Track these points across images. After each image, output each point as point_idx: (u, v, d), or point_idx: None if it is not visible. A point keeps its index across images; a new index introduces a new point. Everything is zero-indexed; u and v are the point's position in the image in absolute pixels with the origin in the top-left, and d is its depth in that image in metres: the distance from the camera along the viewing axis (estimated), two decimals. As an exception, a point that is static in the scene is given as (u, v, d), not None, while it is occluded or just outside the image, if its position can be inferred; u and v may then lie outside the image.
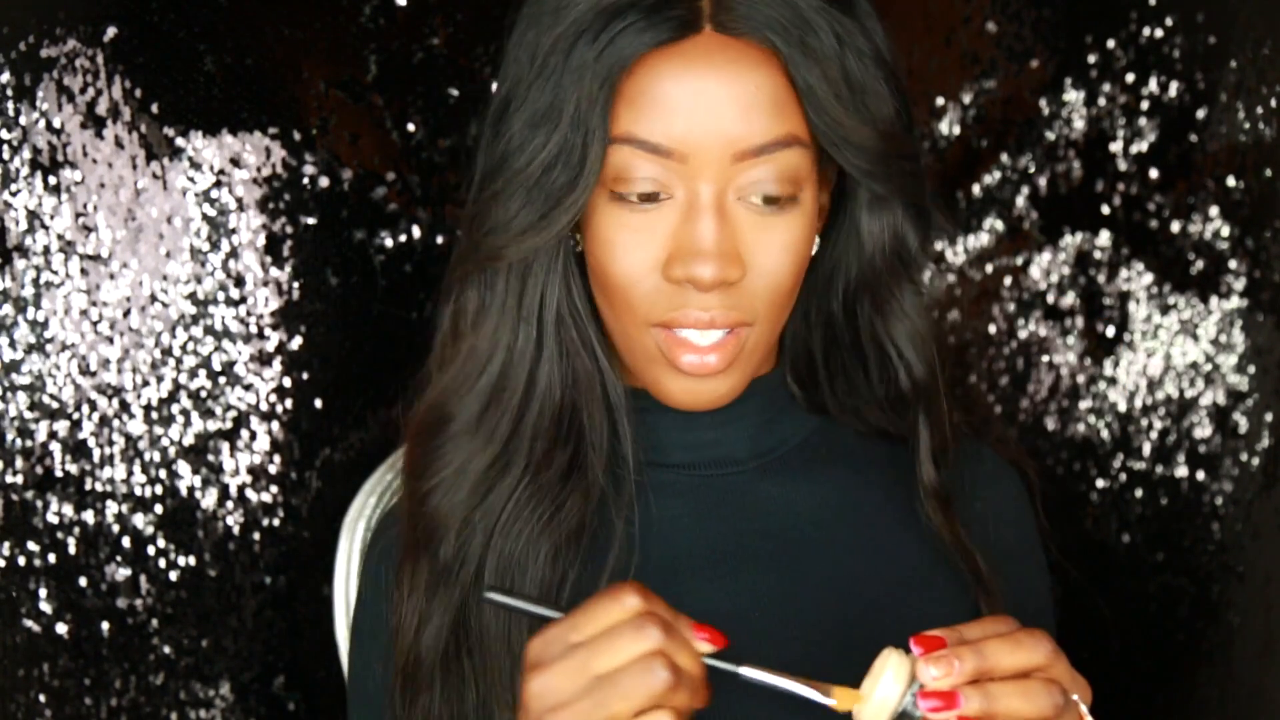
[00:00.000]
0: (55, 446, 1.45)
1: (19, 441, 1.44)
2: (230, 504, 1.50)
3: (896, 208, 1.14)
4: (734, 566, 1.15)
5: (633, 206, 1.06)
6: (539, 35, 1.07)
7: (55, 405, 1.44)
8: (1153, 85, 1.59)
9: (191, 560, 1.49)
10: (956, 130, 1.60)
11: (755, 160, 1.05)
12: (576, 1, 1.05)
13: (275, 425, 1.50)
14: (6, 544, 1.44)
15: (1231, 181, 1.58)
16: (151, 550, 1.48)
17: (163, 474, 1.48)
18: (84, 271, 1.44)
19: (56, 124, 1.41)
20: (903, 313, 1.17)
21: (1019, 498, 1.26)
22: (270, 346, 1.49)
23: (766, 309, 1.09)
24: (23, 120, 1.40)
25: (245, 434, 1.49)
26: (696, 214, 1.05)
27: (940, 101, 1.59)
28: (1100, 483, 1.65)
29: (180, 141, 1.45)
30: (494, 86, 1.12)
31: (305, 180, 1.49)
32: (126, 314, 1.45)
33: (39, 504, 1.44)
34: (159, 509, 1.48)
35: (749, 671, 0.95)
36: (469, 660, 1.13)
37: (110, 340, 1.45)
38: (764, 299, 1.08)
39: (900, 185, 1.12)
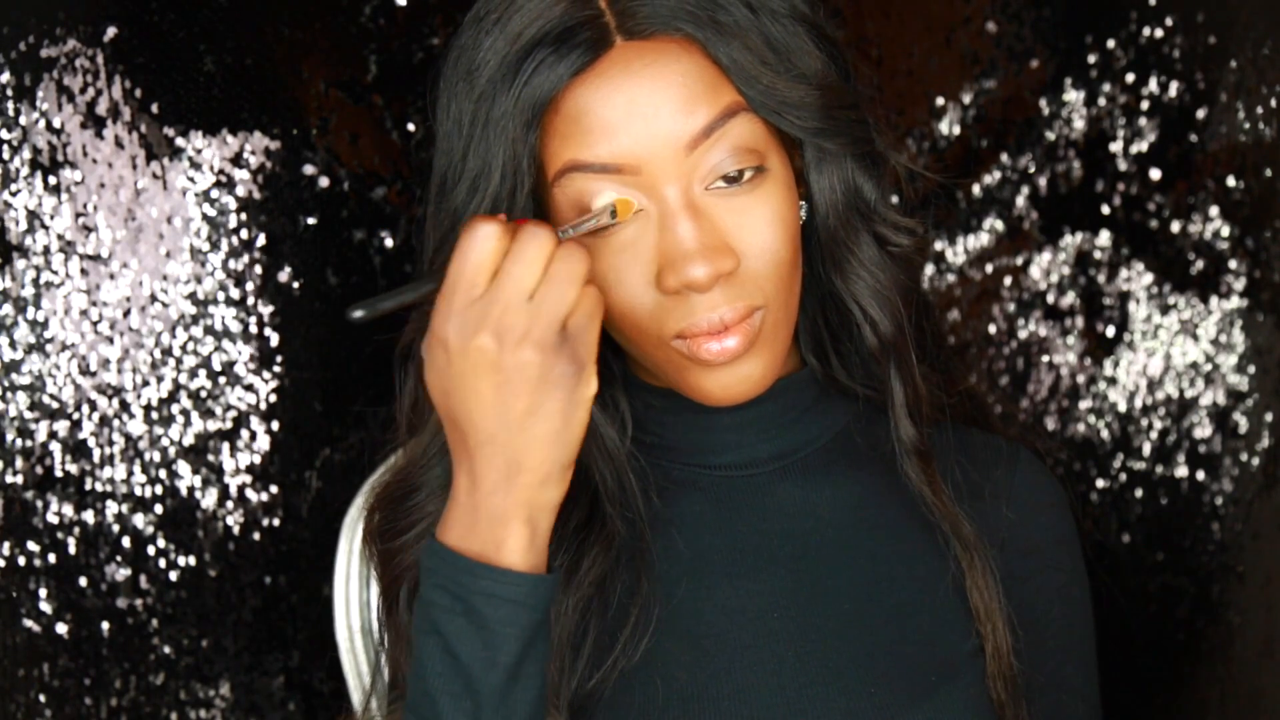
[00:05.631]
0: (55, 446, 1.45)
1: (19, 441, 1.44)
2: (230, 504, 1.50)
3: (845, 160, 1.12)
4: (753, 567, 1.14)
5: (606, 232, 1.06)
6: (460, 104, 1.07)
7: (55, 405, 1.44)
8: (1153, 85, 1.59)
9: (191, 560, 1.49)
10: (956, 130, 1.60)
11: (707, 142, 1.04)
12: (486, 59, 1.05)
13: (275, 425, 1.50)
14: (6, 544, 1.44)
15: (1231, 181, 1.58)
16: (151, 550, 1.48)
17: (163, 474, 1.48)
18: (84, 271, 1.44)
19: (56, 124, 1.41)
20: (863, 268, 1.14)
21: (1054, 502, 1.24)
22: (270, 346, 1.49)
23: (774, 286, 1.07)
24: (23, 120, 1.40)
25: (245, 434, 1.49)
26: (671, 219, 1.04)
27: (940, 101, 1.59)
28: (1100, 483, 1.65)
29: (180, 141, 1.45)
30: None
31: (305, 180, 1.49)
32: (126, 314, 1.45)
33: (39, 504, 1.44)
34: (159, 509, 1.48)
35: (567, 231, 1.04)
36: None
37: (110, 340, 1.45)
38: (767, 277, 1.07)
39: (850, 137, 1.11)
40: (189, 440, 1.48)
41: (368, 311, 1.00)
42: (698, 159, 1.05)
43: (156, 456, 1.47)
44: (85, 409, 1.45)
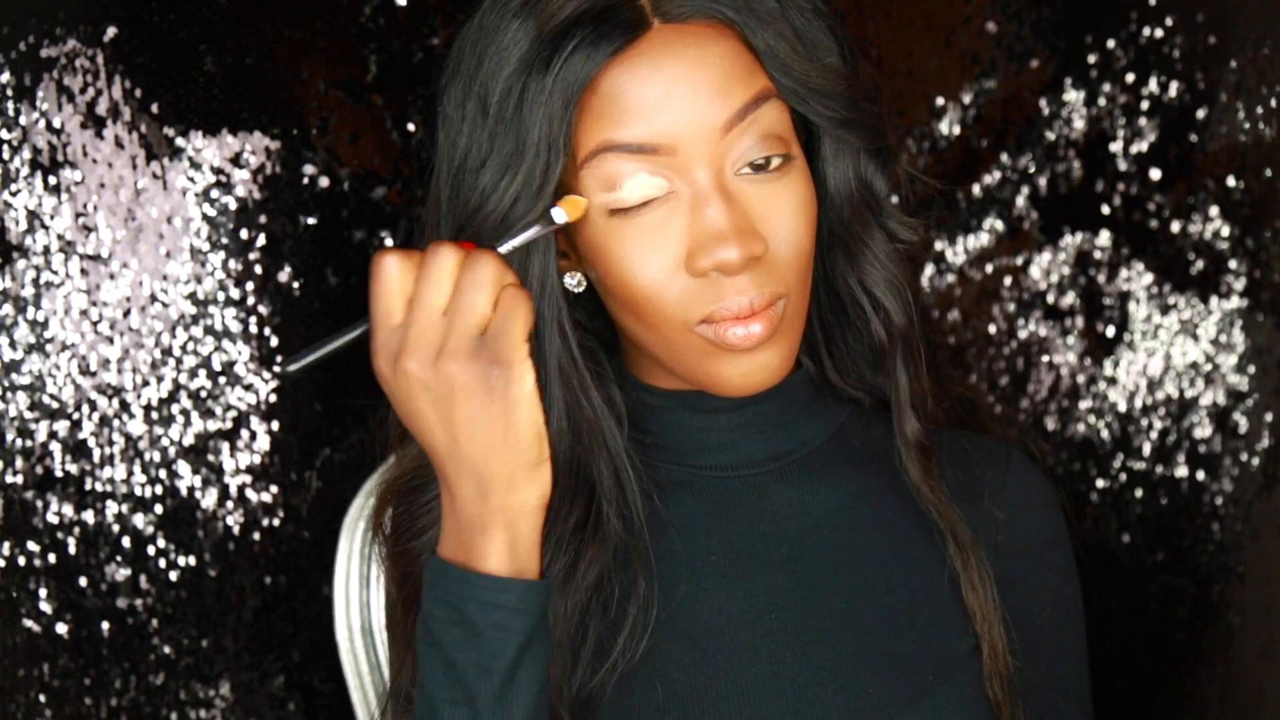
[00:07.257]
0: (55, 446, 1.45)
1: (19, 441, 1.44)
2: (230, 504, 1.50)
3: (858, 154, 1.13)
4: (750, 568, 1.14)
5: (636, 214, 1.06)
6: (484, 84, 1.06)
7: (55, 405, 1.44)
8: (1153, 85, 1.59)
9: (191, 560, 1.49)
10: (956, 130, 1.60)
11: (741, 125, 1.05)
12: (516, 40, 1.05)
13: (275, 425, 1.50)
14: (6, 544, 1.44)
15: (1231, 181, 1.58)
16: (151, 550, 1.48)
17: (163, 474, 1.48)
18: (84, 271, 1.44)
19: (56, 124, 1.41)
20: (876, 260, 1.15)
21: (1046, 503, 1.24)
22: (270, 346, 1.49)
23: (795, 276, 1.08)
24: (23, 120, 1.40)
25: (245, 434, 1.49)
26: (703, 201, 1.05)
27: (940, 101, 1.59)
28: (1100, 483, 1.65)
29: (180, 141, 1.45)
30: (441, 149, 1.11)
31: (305, 180, 1.49)
32: (126, 314, 1.45)
33: (39, 504, 1.44)
34: (159, 509, 1.48)
35: (503, 247, 1.04)
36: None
37: (110, 340, 1.45)
38: (790, 265, 1.08)
39: (869, 130, 1.12)
40: (189, 440, 1.48)
41: (300, 365, 1.04)
42: (730, 142, 1.05)
43: (156, 456, 1.47)
44: (85, 409, 1.45)
